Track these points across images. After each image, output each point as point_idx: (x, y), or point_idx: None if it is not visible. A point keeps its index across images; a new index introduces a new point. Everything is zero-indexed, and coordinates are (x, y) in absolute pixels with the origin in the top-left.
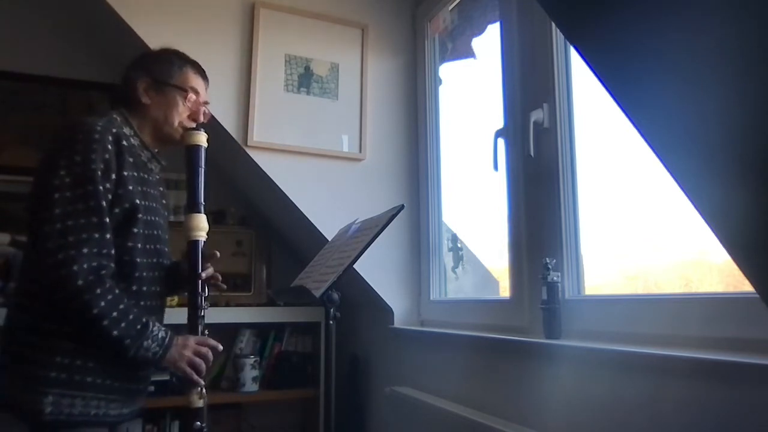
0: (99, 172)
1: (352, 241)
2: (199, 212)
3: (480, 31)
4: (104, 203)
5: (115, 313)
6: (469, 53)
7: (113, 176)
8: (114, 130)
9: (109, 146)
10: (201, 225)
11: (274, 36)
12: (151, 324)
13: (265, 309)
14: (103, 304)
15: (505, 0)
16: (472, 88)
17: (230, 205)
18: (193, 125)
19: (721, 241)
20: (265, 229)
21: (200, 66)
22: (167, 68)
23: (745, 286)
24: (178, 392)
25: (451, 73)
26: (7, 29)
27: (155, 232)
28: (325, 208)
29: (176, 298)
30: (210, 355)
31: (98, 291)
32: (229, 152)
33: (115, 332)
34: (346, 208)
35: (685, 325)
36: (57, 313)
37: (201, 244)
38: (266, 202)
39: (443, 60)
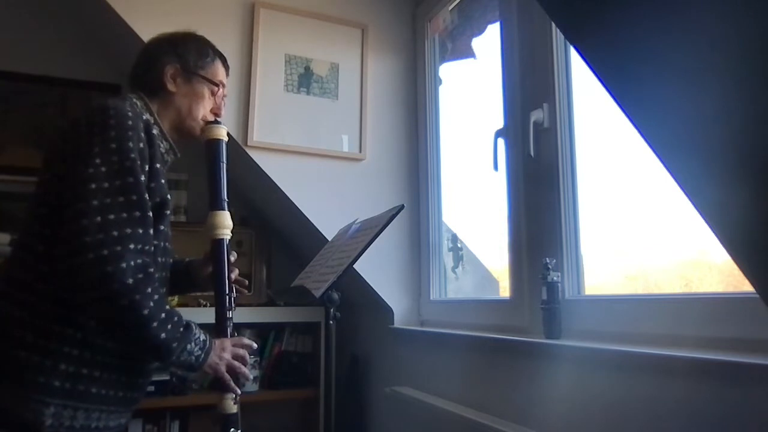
0: (138, 162)
1: (352, 241)
2: (223, 209)
3: (480, 31)
4: (146, 196)
5: (163, 315)
6: (469, 53)
7: (147, 167)
8: (144, 117)
9: (142, 134)
10: (225, 223)
11: (274, 36)
12: (193, 326)
13: (265, 309)
14: (152, 304)
15: (505, 0)
16: (472, 88)
17: (231, 205)
18: (213, 119)
19: (721, 241)
20: (265, 229)
21: (226, 59)
22: (200, 58)
23: (745, 286)
24: (179, 392)
25: (451, 73)
26: (8, 29)
27: (168, 230)
28: (325, 208)
29: (176, 298)
30: (247, 356)
31: (148, 290)
32: (229, 152)
33: (163, 335)
34: (346, 208)
35: (685, 325)
36: (68, 314)
37: (226, 243)
38: (266, 202)
39: (443, 60)
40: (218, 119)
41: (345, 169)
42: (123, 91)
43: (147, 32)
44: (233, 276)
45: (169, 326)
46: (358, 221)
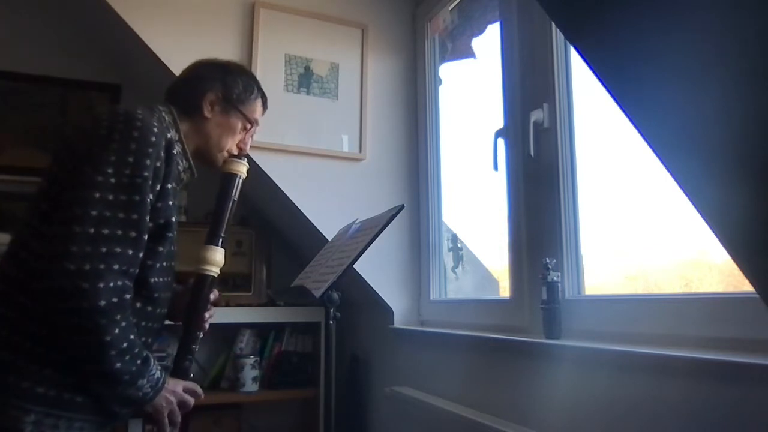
0: (149, 182)
1: (352, 241)
2: (217, 245)
3: (480, 31)
4: (147, 218)
5: (124, 344)
6: (469, 53)
7: (158, 187)
8: (168, 135)
9: (162, 153)
10: (215, 260)
11: (274, 36)
12: (151, 360)
13: (265, 309)
14: (116, 331)
15: (505, 0)
16: (472, 88)
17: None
18: (237, 153)
19: (721, 241)
20: (265, 229)
21: (267, 98)
22: (245, 93)
23: (745, 286)
24: None
25: (451, 73)
26: (7, 29)
27: (172, 248)
28: (325, 208)
29: None
30: (192, 403)
31: (117, 317)
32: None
33: (118, 365)
34: (346, 208)
35: (685, 325)
36: (54, 322)
37: (209, 281)
38: (266, 202)
39: (443, 60)
40: (243, 155)
41: (345, 169)
42: (123, 91)
43: (147, 32)
44: (208, 314)
45: (127, 357)
46: (358, 221)
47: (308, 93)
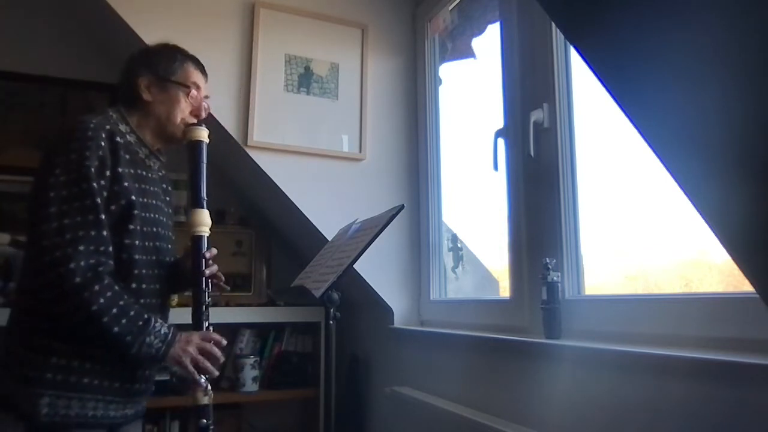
0: (93, 170)
1: (352, 241)
2: (202, 207)
3: (480, 31)
4: (99, 201)
5: (115, 310)
6: (469, 53)
7: (108, 173)
8: (108, 127)
9: (103, 143)
10: (204, 220)
11: (274, 36)
12: (152, 320)
13: (265, 309)
14: (102, 300)
15: (505, 0)
16: (472, 88)
17: (230, 205)
18: (195, 121)
19: (721, 241)
20: (265, 229)
21: (199, 60)
22: (169, 65)
23: (745, 286)
24: (178, 392)
25: (451, 73)
26: (7, 29)
27: (154, 230)
28: (325, 208)
29: (176, 298)
30: (215, 350)
31: (96, 288)
32: (229, 152)
33: (116, 328)
34: (346, 208)
35: (685, 325)
36: (54, 312)
37: (204, 240)
38: (266, 202)
39: (443, 60)
40: (199, 121)
41: (345, 169)
42: None
43: (147, 33)
44: (209, 271)
45: (124, 320)
46: (358, 221)
47: (308, 93)
